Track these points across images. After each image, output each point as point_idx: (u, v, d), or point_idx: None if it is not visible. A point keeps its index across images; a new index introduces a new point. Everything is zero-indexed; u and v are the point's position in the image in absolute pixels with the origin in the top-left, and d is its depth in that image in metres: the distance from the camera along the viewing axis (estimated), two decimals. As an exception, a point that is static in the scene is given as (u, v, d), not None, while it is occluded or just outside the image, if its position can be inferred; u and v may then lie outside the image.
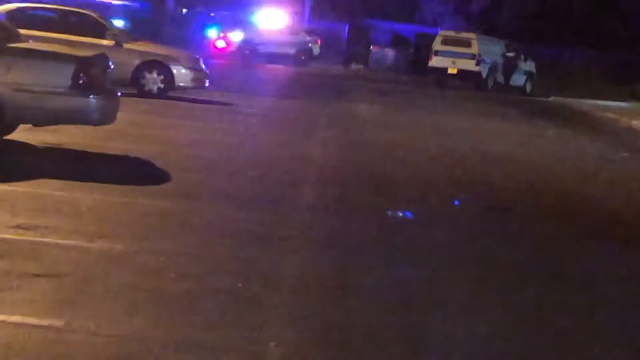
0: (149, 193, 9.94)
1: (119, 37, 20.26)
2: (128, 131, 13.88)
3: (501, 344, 6.30)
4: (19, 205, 8.58)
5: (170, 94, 20.26)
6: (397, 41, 51.00)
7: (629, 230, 11.03)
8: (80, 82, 10.90)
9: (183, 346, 5.55)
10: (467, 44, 38.56)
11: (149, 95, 19.82)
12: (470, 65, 38.11)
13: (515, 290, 7.71)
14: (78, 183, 9.85)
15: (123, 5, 44.09)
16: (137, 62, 19.93)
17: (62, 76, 10.84)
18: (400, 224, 10.00)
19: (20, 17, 18.46)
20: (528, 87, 40.53)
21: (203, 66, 21.23)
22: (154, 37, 29.23)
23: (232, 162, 12.77)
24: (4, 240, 7.35)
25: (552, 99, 36.81)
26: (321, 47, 47.08)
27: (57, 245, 7.32)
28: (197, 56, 21.66)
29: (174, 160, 12.05)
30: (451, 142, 18.12)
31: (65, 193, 9.30)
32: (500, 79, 39.18)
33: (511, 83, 39.48)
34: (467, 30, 42.12)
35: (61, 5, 21.39)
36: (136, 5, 44.92)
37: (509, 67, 39.12)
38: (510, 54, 39.24)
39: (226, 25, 44.12)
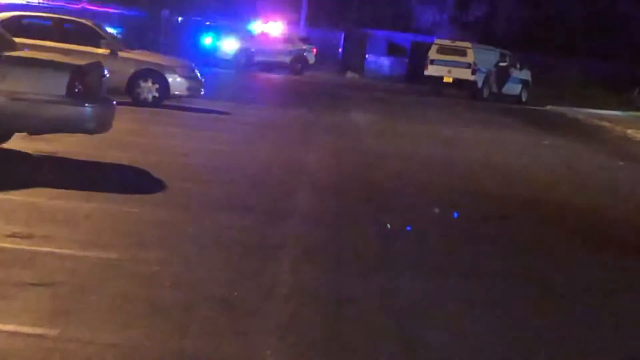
0: (144, 202, 9.92)
1: (114, 45, 20.26)
2: (123, 140, 13.87)
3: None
4: (14, 214, 8.57)
5: (166, 102, 20.27)
6: (393, 50, 51.17)
7: (628, 239, 11.03)
8: (76, 90, 10.89)
9: (178, 355, 5.54)
10: (462, 53, 38.65)
11: (144, 103, 19.83)
12: (466, 74, 38.20)
13: (511, 300, 7.71)
14: (73, 192, 9.84)
15: (118, 13, 44.11)
16: (132, 70, 19.93)
17: (58, 85, 10.83)
18: (396, 234, 9.98)
19: (15, 26, 18.44)
20: (524, 96, 40.61)
21: (198, 75, 21.24)
22: (150, 45, 29.28)
23: (227, 172, 12.77)
24: (-1, 249, 7.34)
25: (548, 107, 36.86)
26: (317, 55, 47.14)
27: (52, 254, 7.31)
28: (193, 65, 21.68)
29: (169, 169, 12.04)
30: (447, 151, 18.14)
31: (61, 202, 9.29)
32: (494, 87, 39.24)
33: (506, 92, 39.56)
34: (463, 39, 42.21)
35: (56, 13, 21.39)
36: (132, 13, 44.91)
37: (502, 76, 39.17)
38: (503, 63, 39.31)
39: (222, 33, 44.14)
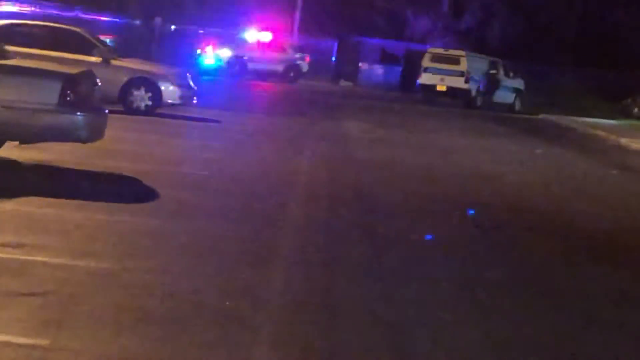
0: (136, 211, 9.89)
1: (107, 53, 20.21)
2: (115, 148, 13.83)
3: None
4: (5, 223, 8.53)
5: (158, 111, 20.24)
6: (386, 58, 51.21)
7: (619, 249, 11.01)
8: (68, 99, 10.85)
9: (169, 366, 5.52)
10: (455, 61, 38.69)
11: (136, 112, 19.79)
12: (459, 82, 38.22)
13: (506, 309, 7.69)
14: (65, 201, 9.81)
15: (111, 21, 44.07)
16: (124, 79, 19.90)
17: (49, 93, 10.79)
18: (391, 242, 9.95)
19: (7, 34, 18.41)
20: (517, 105, 40.65)
21: (191, 83, 21.21)
22: (142, 53, 29.23)
23: (219, 180, 12.74)
24: (-11, 258, 7.30)
25: (541, 116, 36.90)
26: (310, 64, 47.15)
27: (43, 264, 7.27)
28: (186, 73, 21.64)
29: (161, 178, 12.01)
30: (440, 160, 18.13)
31: (52, 211, 9.24)
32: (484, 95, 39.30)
33: (499, 100, 39.59)
34: (457, 48, 42.26)
35: (49, 21, 21.35)
36: (125, 21, 44.89)
37: (492, 84, 39.21)
38: (493, 71, 39.37)
39: (215, 42, 44.14)
